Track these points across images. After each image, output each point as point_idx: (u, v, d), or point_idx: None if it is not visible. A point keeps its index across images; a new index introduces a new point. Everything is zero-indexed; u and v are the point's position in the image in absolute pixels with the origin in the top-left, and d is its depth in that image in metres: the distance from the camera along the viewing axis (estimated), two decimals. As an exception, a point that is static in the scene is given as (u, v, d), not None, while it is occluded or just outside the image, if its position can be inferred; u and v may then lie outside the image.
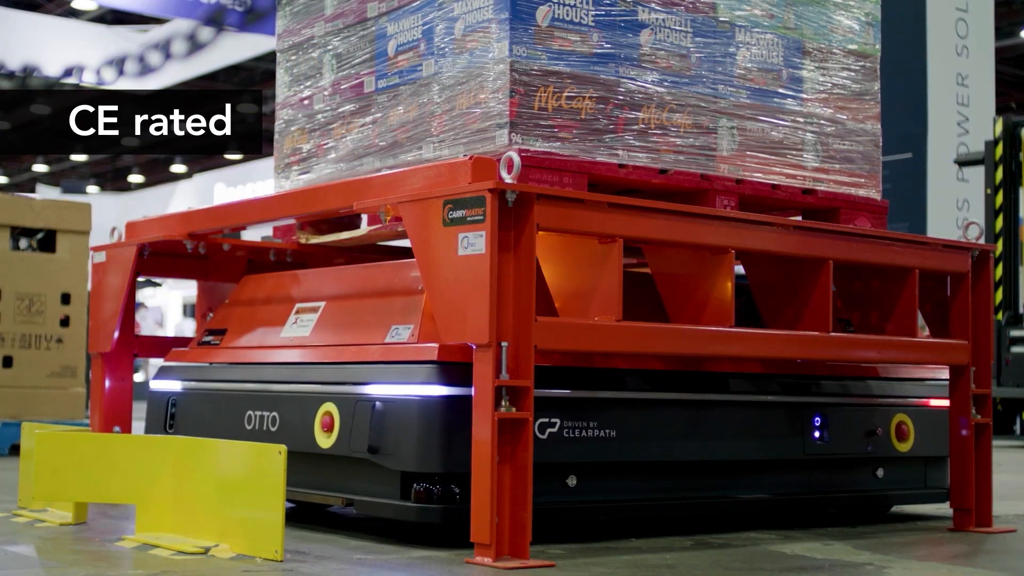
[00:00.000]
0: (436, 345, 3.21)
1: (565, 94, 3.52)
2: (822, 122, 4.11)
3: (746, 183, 3.88)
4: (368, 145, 3.99)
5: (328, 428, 3.39)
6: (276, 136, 4.45)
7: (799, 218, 4.20)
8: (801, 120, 4.05)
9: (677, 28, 3.76)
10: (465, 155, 3.51)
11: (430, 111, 3.73)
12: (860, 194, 4.20)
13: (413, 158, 3.77)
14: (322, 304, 3.82)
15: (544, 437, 3.25)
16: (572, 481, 3.40)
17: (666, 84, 3.73)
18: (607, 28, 3.60)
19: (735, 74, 3.89)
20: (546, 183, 3.42)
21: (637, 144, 3.66)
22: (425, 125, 3.75)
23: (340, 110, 4.12)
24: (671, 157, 3.73)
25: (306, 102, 4.29)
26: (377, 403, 3.26)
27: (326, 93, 4.20)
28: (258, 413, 3.70)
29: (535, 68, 3.47)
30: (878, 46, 4.30)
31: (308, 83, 4.29)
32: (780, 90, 4.01)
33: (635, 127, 3.66)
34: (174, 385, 4.14)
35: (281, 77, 4.45)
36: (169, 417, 4.08)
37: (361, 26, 4.05)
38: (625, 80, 3.64)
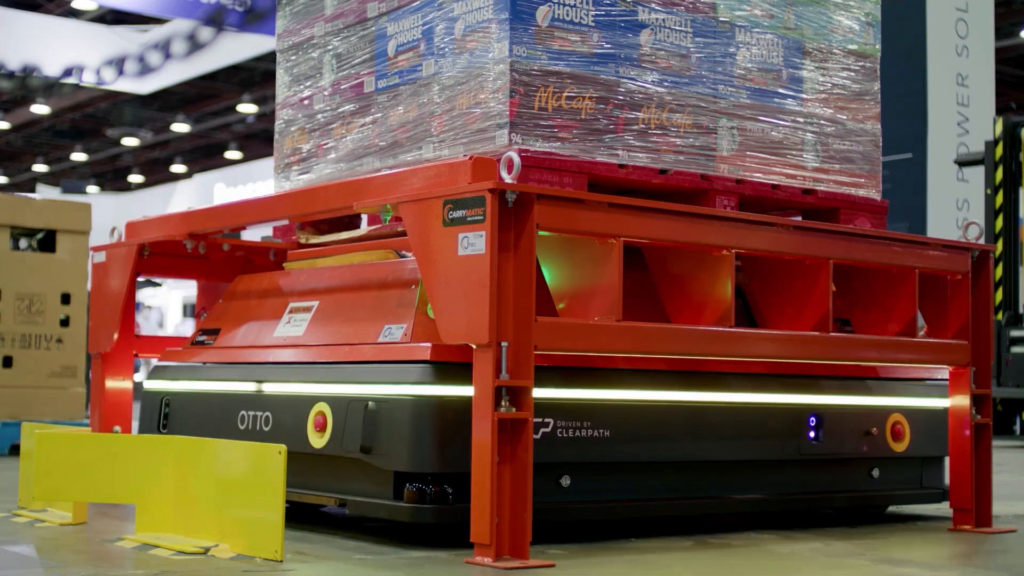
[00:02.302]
0: (429, 345, 3.21)
1: (565, 94, 3.52)
2: (822, 122, 4.11)
3: (746, 183, 3.88)
4: (368, 145, 3.99)
5: (321, 428, 3.40)
6: (276, 136, 4.45)
7: (799, 218, 4.20)
8: (801, 120, 4.05)
9: (677, 28, 3.76)
10: (465, 155, 3.51)
11: (430, 111, 3.73)
12: (860, 194, 4.20)
13: (413, 158, 3.77)
14: (315, 303, 3.82)
15: (537, 437, 3.25)
16: (566, 481, 3.40)
17: (666, 84, 3.73)
18: (607, 28, 3.61)
19: (735, 74, 3.89)
20: (546, 183, 3.42)
21: (637, 144, 3.66)
22: (425, 125, 3.75)
23: (340, 110, 4.12)
24: (671, 157, 3.73)
25: (306, 102, 4.29)
26: (370, 403, 3.27)
27: (326, 93, 4.20)
28: (251, 413, 3.70)
29: (535, 68, 3.47)
30: (878, 46, 4.31)
31: (308, 83, 4.29)
32: (780, 90, 4.01)
33: (635, 127, 3.66)
34: (167, 385, 4.14)
35: (281, 77, 4.45)
36: (163, 417, 4.09)
37: (361, 26, 4.05)
38: (625, 80, 3.65)
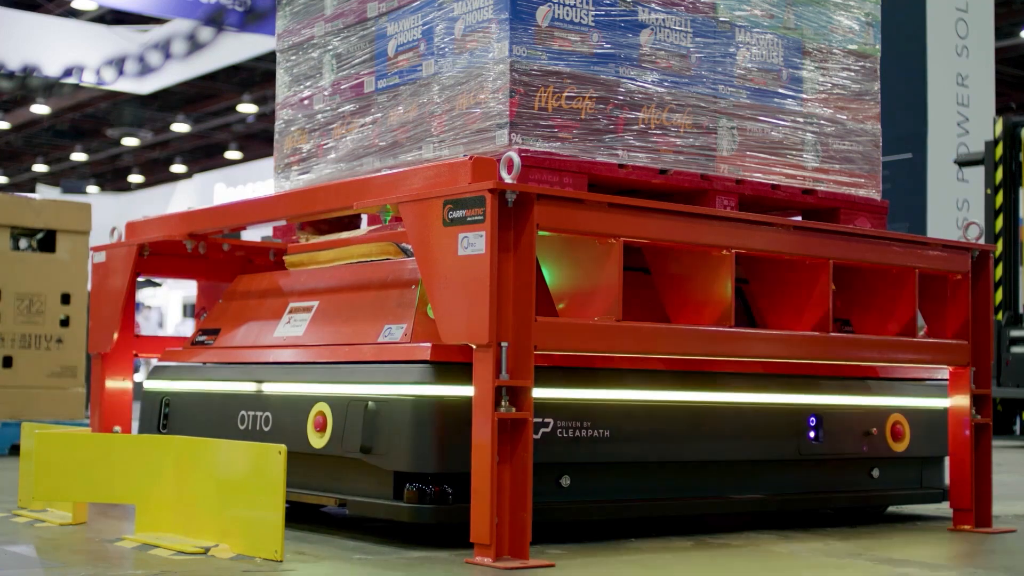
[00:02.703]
0: (429, 345, 3.21)
1: (565, 94, 3.52)
2: (822, 122, 4.11)
3: (746, 183, 3.88)
4: (368, 145, 3.99)
5: (321, 428, 3.40)
6: (276, 136, 4.45)
7: (799, 218, 4.20)
8: (801, 120, 4.05)
9: (677, 28, 3.76)
10: (465, 155, 3.51)
11: (430, 111, 3.73)
12: (860, 194, 4.20)
13: (413, 158, 3.77)
14: (315, 303, 3.82)
15: (537, 437, 3.25)
16: (566, 481, 3.40)
17: (666, 84, 3.73)
18: (607, 28, 3.61)
19: (735, 74, 3.89)
20: (546, 183, 3.42)
21: (637, 144, 3.66)
22: (425, 125, 3.75)
23: (340, 110, 4.12)
24: (671, 157, 3.73)
25: (306, 102, 4.29)
26: (370, 403, 3.27)
27: (326, 93, 4.20)
28: (251, 413, 3.70)
29: (535, 68, 3.47)
30: (878, 46, 4.31)
31: (308, 83, 4.29)
32: (780, 90, 4.01)
33: (635, 127, 3.66)
34: (167, 385, 4.14)
35: (281, 77, 4.45)
36: (162, 417, 4.09)
37: (361, 26, 4.05)
38: (625, 80, 3.65)
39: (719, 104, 3.84)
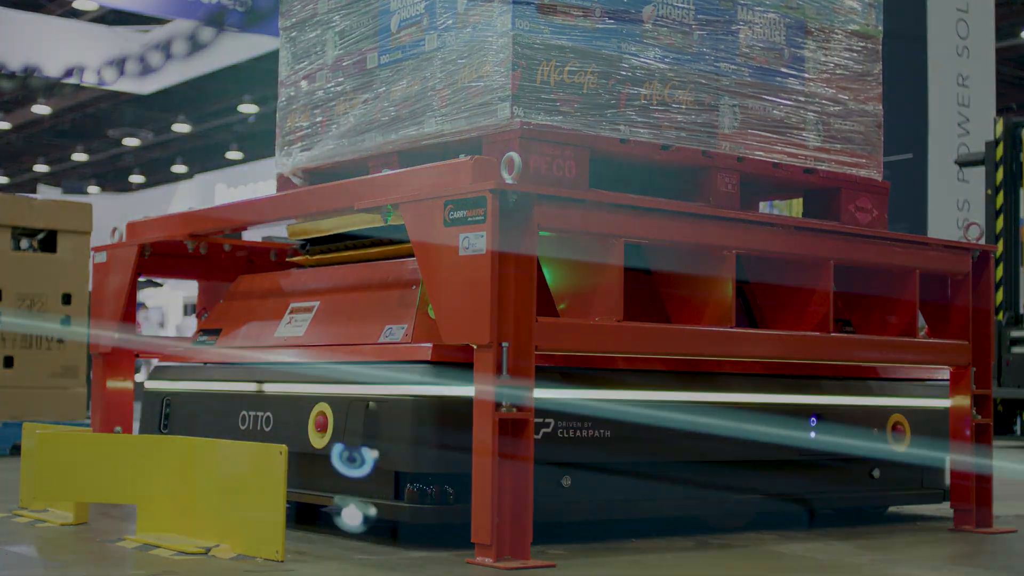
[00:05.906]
0: (430, 345, 3.21)
1: (567, 68, 3.51)
2: (824, 102, 4.09)
3: (748, 161, 3.86)
4: (370, 120, 3.96)
5: (322, 428, 3.40)
6: (278, 114, 4.42)
7: (800, 199, 4.20)
8: (803, 99, 4.04)
9: (680, 5, 3.75)
10: (467, 128, 3.50)
11: (432, 85, 3.71)
12: (861, 175, 4.18)
13: (415, 132, 3.75)
14: (316, 304, 3.82)
15: (538, 437, 3.25)
16: (566, 481, 3.40)
17: (668, 61, 3.71)
18: (610, 3, 3.59)
19: (737, 52, 3.88)
20: (548, 156, 3.40)
21: (639, 120, 3.65)
22: (427, 99, 3.73)
23: (343, 86, 4.10)
24: (673, 133, 3.71)
25: (308, 79, 4.27)
26: (371, 403, 3.27)
27: (328, 70, 4.18)
28: (252, 413, 3.70)
29: (537, 42, 3.46)
30: (880, 27, 4.30)
31: (311, 60, 4.26)
32: (782, 69, 3.99)
33: (637, 103, 3.64)
34: (168, 385, 4.14)
35: (284, 55, 4.41)
36: (163, 417, 4.09)
37: (364, 2, 4.03)
38: (627, 56, 3.63)
39: (721, 82, 3.83)
